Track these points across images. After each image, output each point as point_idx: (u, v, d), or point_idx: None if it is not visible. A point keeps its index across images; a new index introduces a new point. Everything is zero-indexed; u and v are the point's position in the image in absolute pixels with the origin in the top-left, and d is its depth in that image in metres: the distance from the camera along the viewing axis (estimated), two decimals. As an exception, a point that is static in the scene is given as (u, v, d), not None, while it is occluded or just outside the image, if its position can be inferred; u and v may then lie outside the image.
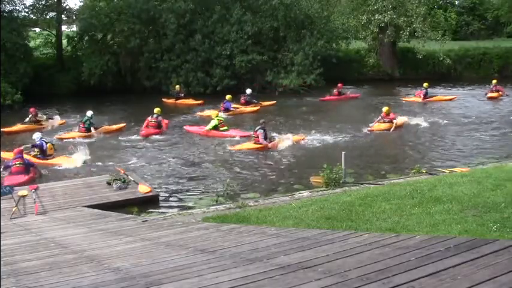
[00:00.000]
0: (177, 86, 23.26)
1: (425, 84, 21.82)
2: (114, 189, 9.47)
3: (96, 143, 14.91)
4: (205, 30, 25.16)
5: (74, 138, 15.24)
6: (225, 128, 15.50)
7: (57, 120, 18.03)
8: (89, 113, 15.96)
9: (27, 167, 11.10)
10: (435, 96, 22.12)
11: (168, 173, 11.56)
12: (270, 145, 13.39)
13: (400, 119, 16.05)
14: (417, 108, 20.32)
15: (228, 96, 19.61)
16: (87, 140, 14.99)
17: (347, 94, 23.08)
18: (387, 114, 15.76)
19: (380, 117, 15.80)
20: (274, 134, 14.37)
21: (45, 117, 17.46)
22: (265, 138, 13.46)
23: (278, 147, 13.38)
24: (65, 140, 15.05)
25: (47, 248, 4.54)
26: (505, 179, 6.63)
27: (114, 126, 16.80)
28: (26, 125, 16.77)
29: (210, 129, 15.34)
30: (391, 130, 15.29)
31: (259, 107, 20.38)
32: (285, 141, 13.68)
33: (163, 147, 14.17)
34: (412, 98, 22.13)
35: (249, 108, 20.16)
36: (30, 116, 17.10)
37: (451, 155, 12.68)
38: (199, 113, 19.42)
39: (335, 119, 17.79)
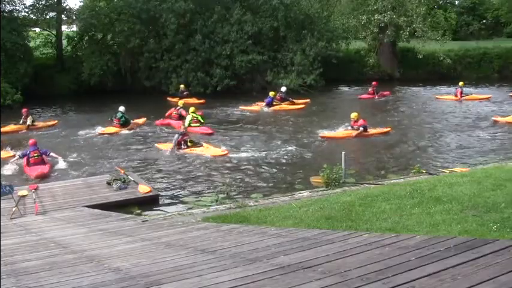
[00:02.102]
0: (182, 86, 23.41)
1: (460, 83, 22.12)
2: (114, 189, 9.47)
3: (103, 140, 15.07)
4: (205, 30, 25.14)
5: (116, 133, 15.90)
6: (197, 124, 16.08)
7: (47, 123, 17.97)
8: (122, 108, 16.55)
9: (42, 156, 11.85)
10: (471, 94, 22.22)
11: (168, 173, 11.56)
12: (177, 151, 13.24)
13: (374, 130, 14.89)
14: (450, 106, 20.48)
15: (271, 93, 20.54)
16: (126, 133, 15.83)
17: (381, 92, 23.46)
18: (356, 121, 14.67)
19: (350, 126, 14.88)
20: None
21: (28, 121, 17.04)
22: (181, 143, 13.33)
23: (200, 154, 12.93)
24: (106, 135, 15.68)
25: (47, 248, 4.54)
26: (505, 179, 6.63)
27: (140, 120, 17.36)
28: (18, 126, 16.70)
29: (187, 124, 15.96)
30: (353, 136, 14.39)
31: (303, 105, 20.83)
32: (202, 151, 13.08)
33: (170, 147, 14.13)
34: (446, 96, 22.37)
35: (291, 106, 20.69)
36: (23, 117, 17.01)
37: (451, 155, 12.68)
38: (242, 107, 20.46)
39: (340, 118, 17.69)
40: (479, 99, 21.66)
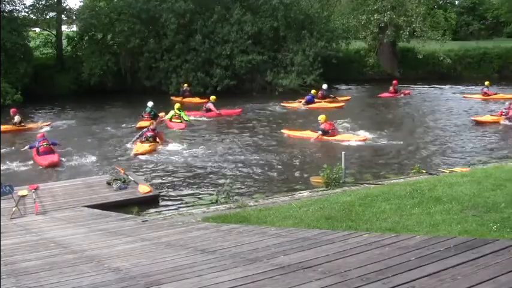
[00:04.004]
0: (185, 85, 23.61)
1: (486, 83, 22.25)
2: (114, 189, 9.47)
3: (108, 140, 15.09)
4: (205, 30, 25.15)
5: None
6: (178, 120, 16.90)
7: (37, 124, 17.65)
8: (150, 103, 17.61)
9: (51, 146, 12.59)
10: (497, 94, 22.30)
11: (168, 173, 11.55)
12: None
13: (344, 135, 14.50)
14: (477, 105, 20.55)
15: (312, 91, 20.95)
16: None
17: (402, 91, 23.73)
18: (321, 123, 14.44)
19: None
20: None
21: (15, 120, 16.78)
22: (150, 139, 13.55)
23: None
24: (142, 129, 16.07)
25: (47, 248, 4.53)
26: (505, 179, 6.63)
27: (161, 114, 17.95)
28: (6, 126, 16.34)
29: (168, 118, 16.99)
30: (312, 139, 14.33)
31: (343, 104, 20.92)
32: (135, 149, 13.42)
33: (163, 146, 14.14)
34: (473, 95, 22.52)
35: (332, 104, 20.82)
36: (11, 117, 16.69)
37: (451, 155, 12.67)
38: (283, 104, 20.98)
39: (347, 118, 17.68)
40: (505, 98, 21.38)
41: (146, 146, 13.32)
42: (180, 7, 24.47)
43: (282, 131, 15.43)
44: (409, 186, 6.90)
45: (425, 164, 11.46)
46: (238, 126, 17.12)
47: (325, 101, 20.91)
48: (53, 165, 12.01)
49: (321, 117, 14.67)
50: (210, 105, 18.76)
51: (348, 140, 14.05)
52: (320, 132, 14.32)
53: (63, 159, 12.60)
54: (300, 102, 20.65)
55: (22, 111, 18.36)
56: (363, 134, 14.82)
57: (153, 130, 13.83)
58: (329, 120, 14.65)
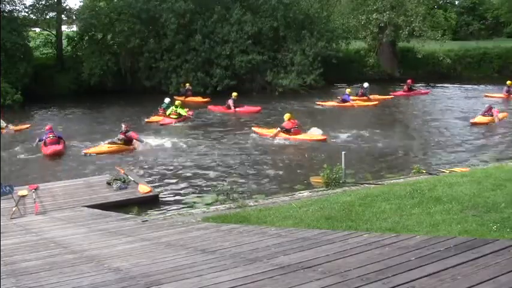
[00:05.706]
0: (187, 84, 23.72)
1: (508, 82, 22.17)
2: (114, 189, 9.47)
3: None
4: (205, 30, 25.16)
5: (171, 122, 17.47)
6: (175, 116, 17.55)
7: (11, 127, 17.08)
8: (167, 99, 18.61)
9: (58, 138, 13.65)
10: None
11: (168, 173, 11.55)
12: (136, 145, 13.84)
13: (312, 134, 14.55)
14: (498, 104, 20.21)
15: (348, 90, 21.05)
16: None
17: (417, 90, 23.92)
18: (286, 121, 14.59)
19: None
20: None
21: (4, 124, 16.70)
22: (118, 141, 13.68)
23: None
24: (164, 125, 17.18)
25: (47, 248, 4.53)
26: (505, 179, 6.63)
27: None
28: None
29: (167, 114, 17.77)
30: (271, 136, 14.51)
31: (377, 102, 21.08)
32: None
33: (164, 146, 14.15)
34: (494, 94, 22.52)
35: (366, 103, 20.99)
36: None
37: (451, 155, 12.67)
38: (318, 102, 21.13)
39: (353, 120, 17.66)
40: None
41: (104, 147, 13.51)
42: (180, 7, 24.47)
43: (253, 129, 15.62)
44: (409, 186, 6.89)
45: (425, 164, 11.46)
46: (242, 126, 17.09)
47: (360, 100, 21.05)
48: (57, 154, 13.05)
49: (286, 116, 14.86)
50: (230, 102, 19.40)
51: (307, 139, 14.22)
52: (279, 128, 14.49)
53: (66, 162, 12.77)
54: (337, 99, 20.86)
55: (21, 111, 18.33)
56: (363, 133, 14.87)
57: (124, 133, 13.81)
58: (293, 119, 14.72)
